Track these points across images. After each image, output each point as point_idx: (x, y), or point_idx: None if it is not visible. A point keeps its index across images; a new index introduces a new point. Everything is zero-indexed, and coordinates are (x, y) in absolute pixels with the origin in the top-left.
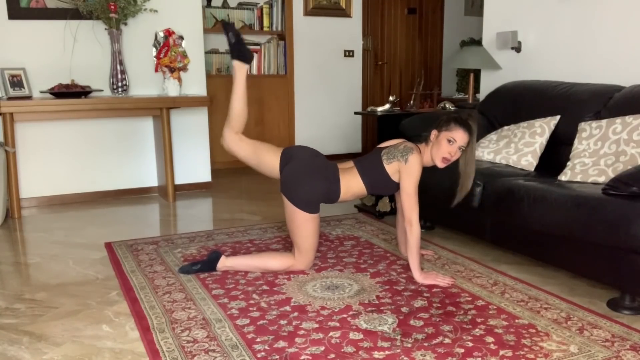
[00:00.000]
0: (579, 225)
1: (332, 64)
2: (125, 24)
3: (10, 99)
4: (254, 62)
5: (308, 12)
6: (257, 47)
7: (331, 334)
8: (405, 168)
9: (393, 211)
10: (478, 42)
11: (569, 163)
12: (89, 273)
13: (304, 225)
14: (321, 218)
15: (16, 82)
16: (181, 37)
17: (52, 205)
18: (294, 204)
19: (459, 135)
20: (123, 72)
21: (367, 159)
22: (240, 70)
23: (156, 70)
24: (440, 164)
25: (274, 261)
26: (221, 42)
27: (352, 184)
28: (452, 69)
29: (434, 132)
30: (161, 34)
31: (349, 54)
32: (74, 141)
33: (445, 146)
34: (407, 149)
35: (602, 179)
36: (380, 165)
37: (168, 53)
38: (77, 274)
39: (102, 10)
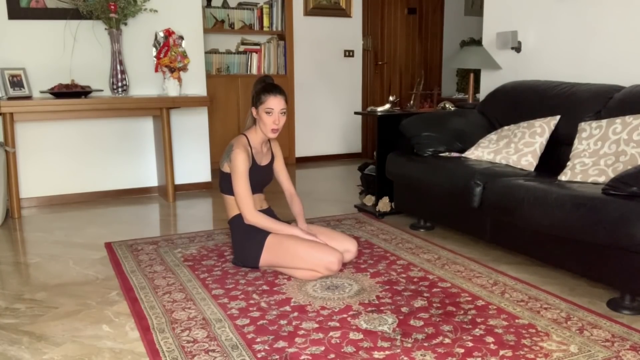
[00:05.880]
0: (579, 225)
1: (332, 64)
2: (125, 24)
3: (10, 99)
4: (254, 62)
5: (308, 12)
6: (257, 47)
7: (331, 334)
8: (231, 168)
9: (393, 211)
10: (478, 42)
11: (569, 163)
12: (89, 273)
13: (277, 252)
14: (321, 218)
15: (16, 82)
16: (181, 37)
17: (52, 205)
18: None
19: (274, 103)
20: (123, 72)
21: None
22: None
23: (156, 70)
24: (272, 135)
25: (300, 272)
26: (221, 42)
27: (228, 204)
28: (452, 69)
29: (253, 110)
30: (161, 34)
31: (349, 54)
32: (74, 141)
33: (267, 118)
34: (230, 148)
35: (602, 179)
36: (222, 173)
37: (168, 53)
38: (77, 274)
39: (102, 10)
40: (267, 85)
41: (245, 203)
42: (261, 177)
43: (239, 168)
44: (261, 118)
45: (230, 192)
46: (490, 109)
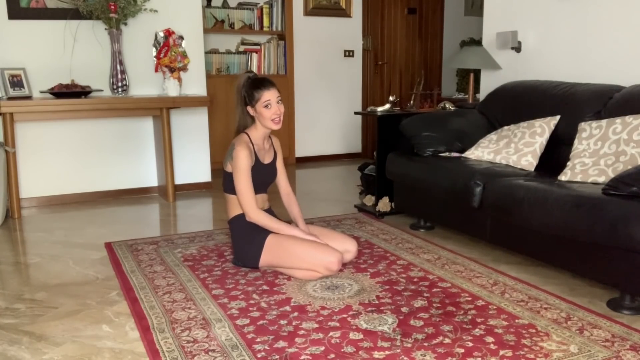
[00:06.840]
0: (578, 225)
1: (332, 64)
2: (125, 24)
3: (10, 99)
4: (254, 62)
5: (308, 12)
6: (257, 47)
7: (331, 334)
8: (233, 165)
9: (393, 211)
10: (478, 42)
11: (569, 163)
12: (89, 273)
13: (277, 251)
14: (321, 218)
15: (16, 82)
16: (181, 37)
17: (52, 205)
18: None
19: (269, 95)
20: (123, 72)
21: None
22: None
23: (156, 70)
24: (276, 126)
25: (300, 272)
26: (221, 42)
27: (230, 204)
28: (452, 69)
29: (249, 109)
30: (161, 34)
31: (349, 54)
32: (74, 141)
33: (267, 112)
34: (232, 147)
35: (602, 179)
36: (225, 172)
37: (168, 53)
38: (77, 274)
39: (102, 10)
40: (256, 81)
41: (247, 200)
42: (265, 176)
43: (241, 165)
44: (261, 113)
45: (234, 191)
46: (490, 109)
